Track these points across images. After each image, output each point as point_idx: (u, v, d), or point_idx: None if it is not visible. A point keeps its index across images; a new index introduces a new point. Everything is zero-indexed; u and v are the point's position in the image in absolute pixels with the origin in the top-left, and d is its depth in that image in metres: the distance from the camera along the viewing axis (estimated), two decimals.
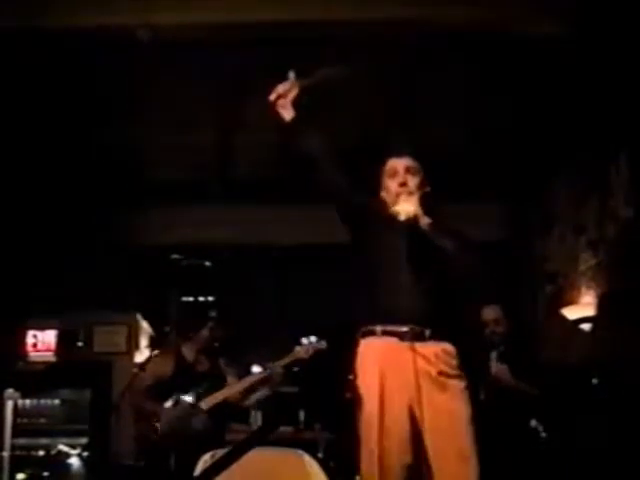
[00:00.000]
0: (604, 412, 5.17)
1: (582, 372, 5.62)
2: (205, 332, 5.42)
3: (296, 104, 3.27)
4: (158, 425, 5.13)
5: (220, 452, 4.63)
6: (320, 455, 5.34)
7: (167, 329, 8.20)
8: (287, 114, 3.27)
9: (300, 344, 5.04)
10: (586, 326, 5.95)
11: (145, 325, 8.10)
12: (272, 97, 3.26)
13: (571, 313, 6.14)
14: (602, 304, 5.84)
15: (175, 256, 8.99)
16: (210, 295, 9.24)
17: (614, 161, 5.62)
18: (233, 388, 5.26)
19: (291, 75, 3.27)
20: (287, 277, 9.09)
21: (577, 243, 6.44)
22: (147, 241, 8.35)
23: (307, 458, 4.56)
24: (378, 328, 3.11)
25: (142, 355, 7.63)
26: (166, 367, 5.34)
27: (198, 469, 4.53)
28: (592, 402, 5.36)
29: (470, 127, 6.60)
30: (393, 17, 5.15)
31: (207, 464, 4.51)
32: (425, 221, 3.11)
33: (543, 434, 5.06)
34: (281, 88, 3.25)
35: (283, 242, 8.29)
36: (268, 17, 5.18)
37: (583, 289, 6.20)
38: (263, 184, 7.44)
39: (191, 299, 9.18)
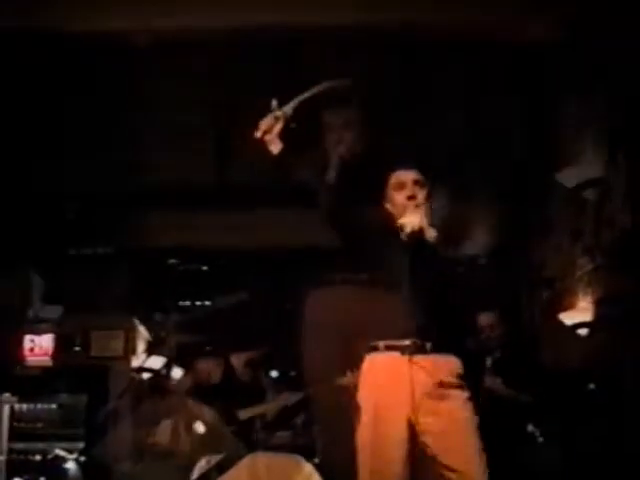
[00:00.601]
0: (602, 416, 5.17)
1: (579, 377, 5.62)
2: (262, 349, 5.54)
3: (284, 133, 3.22)
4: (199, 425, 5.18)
5: (215, 457, 4.64)
6: (317, 460, 5.34)
7: (163, 334, 8.20)
8: (274, 148, 3.22)
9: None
10: (583, 331, 5.95)
11: (142, 330, 8.09)
12: (257, 134, 3.22)
13: (568, 318, 6.14)
14: (599, 309, 5.85)
15: (172, 261, 8.98)
16: (207, 300, 9.24)
17: (612, 166, 5.63)
18: (273, 405, 5.33)
19: (274, 104, 3.23)
20: (285, 281, 9.08)
21: (574, 248, 6.44)
22: (145, 245, 8.34)
23: (305, 464, 4.56)
24: (381, 343, 3.12)
25: (139, 360, 7.63)
26: (214, 372, 5.43)
27: (195, 474, 4.54)
28: (589, 407, 5.36)
29: (470, 128, 6.63)
30: (393, 20, 5.18)
31: (203, 469, 4.53)
32: (431, 234, 3.11)
33: (540, 439, 5.07)
34: (264, 124, 3.21)
35: (281, 246, 8.28)
36: (267, 20, 5.19)
37: (580, 295, 6.20)
38: (260, 188, 7.43)
39: (188, 304, 9.18)
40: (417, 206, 3.19)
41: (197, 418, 5.16)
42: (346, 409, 3.42)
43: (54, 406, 7.14)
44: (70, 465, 6.68)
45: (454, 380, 3.08)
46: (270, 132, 3.21)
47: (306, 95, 3.28)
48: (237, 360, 5.54)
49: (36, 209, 7.33)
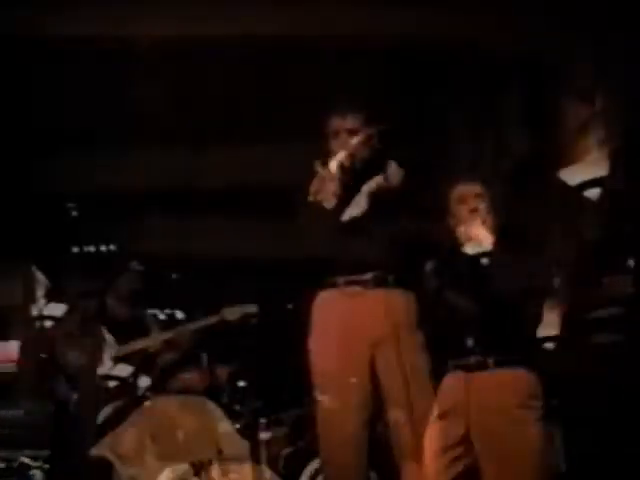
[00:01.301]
0: (601, 420, 5.18)
1: (577, 381, 5.63)
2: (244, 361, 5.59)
3: (340, 188, 3.29)
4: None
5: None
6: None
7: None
8: (328, 204, 3.27)
9: None
10: (550, 345, 5.98)
11: (109, 338, 8.03)
12: (310, 197, 3.29)
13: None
14: (597, 312, 5.85)
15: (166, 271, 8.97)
16: (198, 309, 9.19)
17: (612, 166, 5.66)
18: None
19: (317, 164, 3.30)
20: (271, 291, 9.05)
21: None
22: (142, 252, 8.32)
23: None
24: (450, 363, 3.12)
25: (105, 368, 7.57)
26: (198, 384, 5.57)
27: None
28: (588, 411, 5.36)
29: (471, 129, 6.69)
30: (392, 33, 5.23)
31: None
32: (489, 241, 3.11)
33: None
34: (313, 187, 3.30)
35: (273, 255, 8.28)
36: (268, 31, 5.22)
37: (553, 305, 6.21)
38: (246, 197, 7.46)
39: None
40: (478, 217, 3.20)
41: (181, 419, 5.12)
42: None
43: (19, 413, 7.06)
44: (35, 472, 6.60)
45: (521, 399, 3.00)
46: (321, 192, 3.26)
47: (346, 152, 3.35)
48: (222, 371, 5.58)
49: (36, 209, 7.36)
